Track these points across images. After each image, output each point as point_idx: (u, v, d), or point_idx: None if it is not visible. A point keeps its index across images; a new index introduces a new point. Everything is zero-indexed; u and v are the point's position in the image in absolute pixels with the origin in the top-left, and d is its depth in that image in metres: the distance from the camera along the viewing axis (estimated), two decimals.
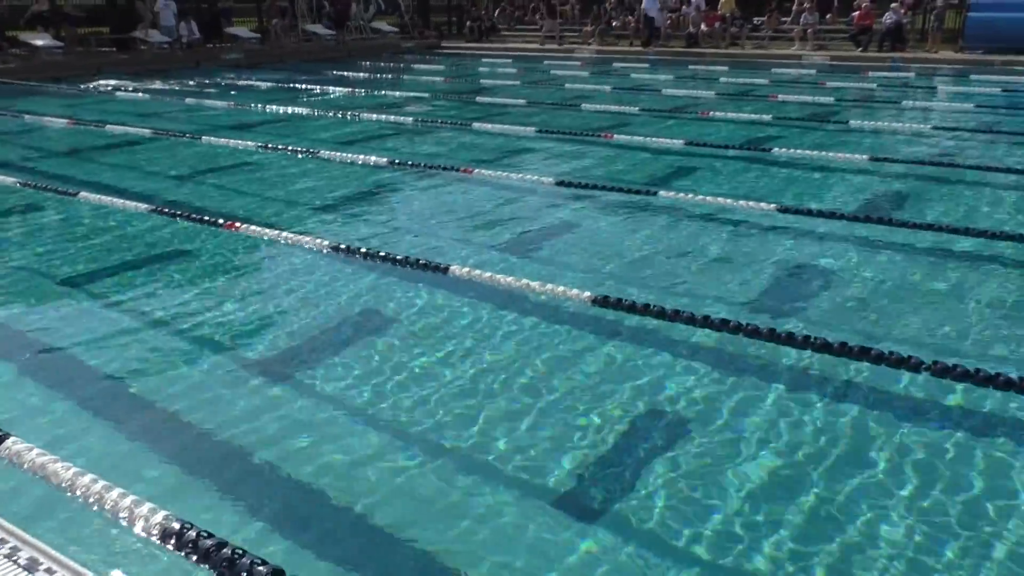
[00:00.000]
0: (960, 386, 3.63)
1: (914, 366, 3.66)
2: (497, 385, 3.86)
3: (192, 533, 2.49)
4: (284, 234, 5.88)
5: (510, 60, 22.97)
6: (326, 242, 5.64)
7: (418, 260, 5.17)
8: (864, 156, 8.65)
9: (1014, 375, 3.48)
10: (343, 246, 5.55)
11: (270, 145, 9.65)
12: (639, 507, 2.93)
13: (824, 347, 3.86)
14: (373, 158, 8.77)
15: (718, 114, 11.95)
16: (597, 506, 2.96)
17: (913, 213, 6.68)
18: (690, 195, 6.85)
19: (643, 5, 24.24)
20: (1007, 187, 7.53)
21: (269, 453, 3.30)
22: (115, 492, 2.59)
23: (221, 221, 6.09)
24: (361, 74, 19.45)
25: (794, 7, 23.69)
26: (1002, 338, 4.28)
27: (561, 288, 4.60)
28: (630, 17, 26.45)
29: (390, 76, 19.63)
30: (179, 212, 6.57)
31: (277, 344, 4.33)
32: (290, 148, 9.49)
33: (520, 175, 7.96)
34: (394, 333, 4.47)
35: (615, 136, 10.08)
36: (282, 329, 4.53)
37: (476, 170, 8.14)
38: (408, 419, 3.56)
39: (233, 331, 4.50)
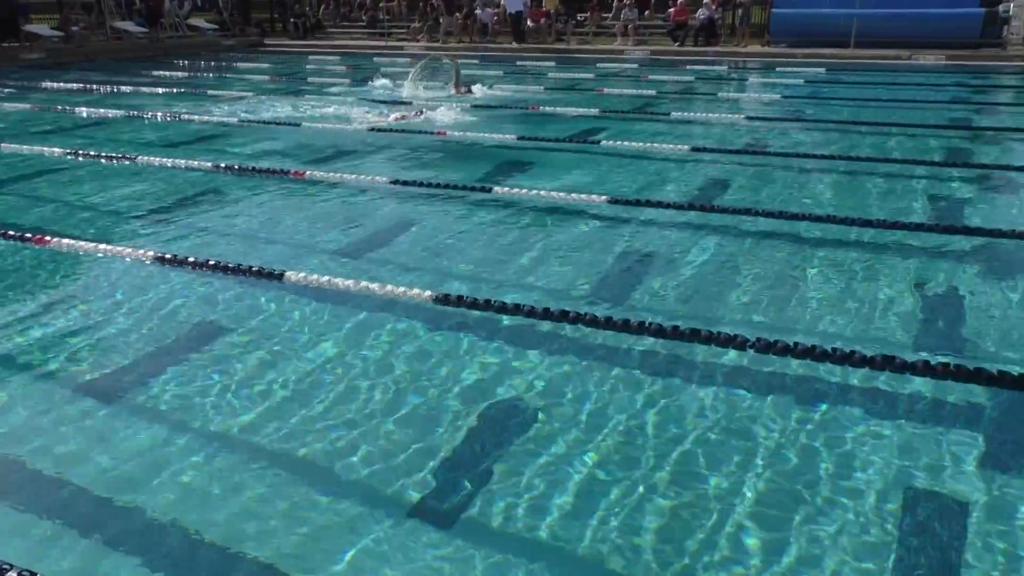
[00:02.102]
0: (779, 360, 3.87)
1: (740, 344, 3.88)
2: (340, 390, 3.77)
3: (12, 574, 2.31)
4: (102, 246, 5.51)
5: (338, 58, 22.56)
6: (150, 252, 5.34)
7: (251, 267, 4.98)
8: (686, 146, 9.09)
9: (828, 347, 3.76)
10: (168, 256, 5.27)
11: (80, 151, 9.01)
12: (488, 503, 2.94)
13: (659, 331, 4.03)
14: (196, 162, 8.37)
15: (548, 109, 12.20)
16: (446, 506, 2.94)
17: (733, 199, 7.07)
18: (524, 190, 6.96)
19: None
20: (814, 171, 8.11)
21: (97, 482, 3.07)
22: None
23: (28, 235, 5.63)
24: (179, 74, 18.53)
25: (614, 3, 24.58)
26: (817, 313, 4.61)
27: (402, 288, 4.56)
28: (458, 15, 26.59)
29: (211, 75, 18.81)
30: None
31: (100, 365, 4.03)
32: (103, 154, 8.89)
33: (354, 175, 7.82)
34: (228, 345, 4.27)
35: (448, 133, 10.10)
36: (104, 349, 4.23)
37: (308, 172, 7.93)
38: (248, 432, 3.42)
39: (50, 354, 4.16)
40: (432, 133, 10.15)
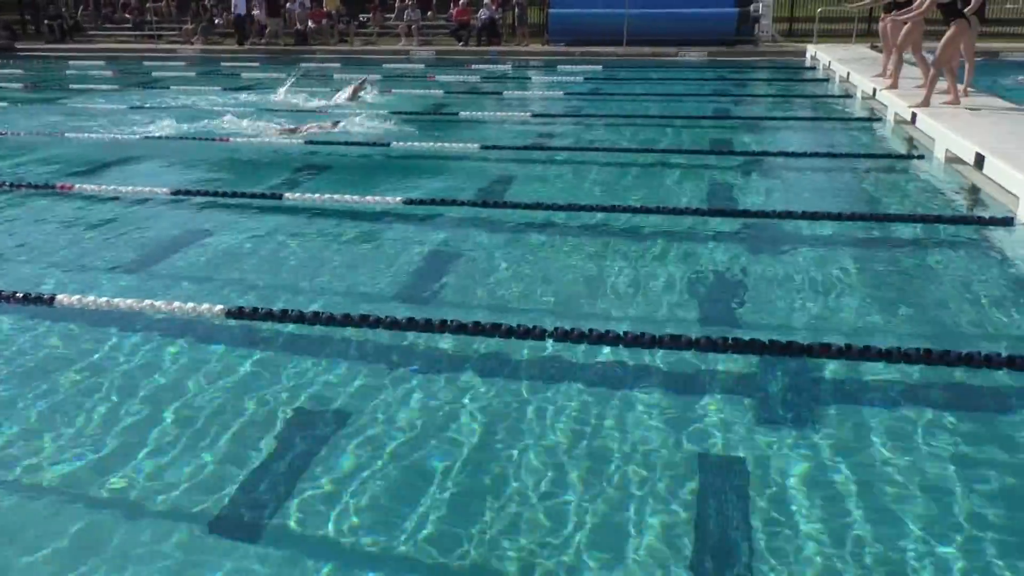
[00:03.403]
0: (579, 347, 4.04)
1: (538, 335, 4.00)
2: (130, 417, 3.52)
3: None
4: None
5: (103, 62, 20.99)
6: None
7: (15, 293, 4.55)
8: (475, 145, 9.22)
9: (620, 331, 3.97)
10: None
11: None
12: (288, 513, 2.87)
13: (460, 328, 4.07)
14: None
15: (336, 111, 11.97)
16: (256, 524, 2.83)
17: (523, 194, 7.26)
18: (317, 195, 6.80)
19: (232, 3, 23.61)
20: (594, 163, 8.49)
21: None
22: None
23: None
24: None
25: (397, 4, 24.50)
26: (608, 299, 4.84)
27: (191, 304, 4.33)
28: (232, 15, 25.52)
29: None
30: None
31: None
32: None
33: (130, 187, 7.32)
34: None
35: (231, 140, 9.69)
36: None
37: (77, 185, 7.34)
38: (27, 471, 3.12)
39: None
40: (214, 140, 9.68)
